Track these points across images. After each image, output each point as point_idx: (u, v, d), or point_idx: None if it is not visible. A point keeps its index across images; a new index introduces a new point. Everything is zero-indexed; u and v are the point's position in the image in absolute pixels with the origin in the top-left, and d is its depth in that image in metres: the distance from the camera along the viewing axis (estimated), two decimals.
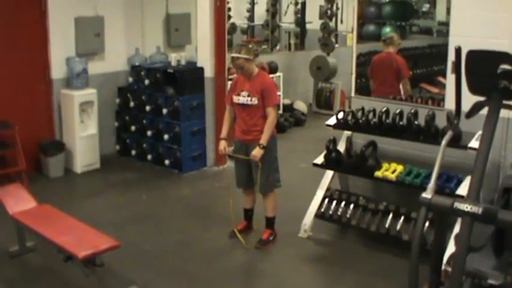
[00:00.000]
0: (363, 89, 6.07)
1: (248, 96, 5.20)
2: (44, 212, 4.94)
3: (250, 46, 5.75)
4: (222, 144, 5.40)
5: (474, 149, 4.28)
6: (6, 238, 5.24)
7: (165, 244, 5.52)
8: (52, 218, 4.80)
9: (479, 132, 3.56)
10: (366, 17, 6.70)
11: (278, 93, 10.13)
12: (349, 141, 5.53)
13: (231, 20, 11.27)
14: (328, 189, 5.65)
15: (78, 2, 7.65)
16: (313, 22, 12.03)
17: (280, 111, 10.30)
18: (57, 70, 7.58)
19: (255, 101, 5.18)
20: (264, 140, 5.14)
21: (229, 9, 9.62)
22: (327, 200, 5.58)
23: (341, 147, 5.60)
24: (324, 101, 11.10)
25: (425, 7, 7.13)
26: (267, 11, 12.07)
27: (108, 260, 4.32)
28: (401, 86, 6.23)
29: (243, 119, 5.32)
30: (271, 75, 10.23)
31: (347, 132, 5.68)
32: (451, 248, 4.09)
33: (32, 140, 7.28)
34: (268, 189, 5.36)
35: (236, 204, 5.55)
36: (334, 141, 5.52)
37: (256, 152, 5.13)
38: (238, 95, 5.26)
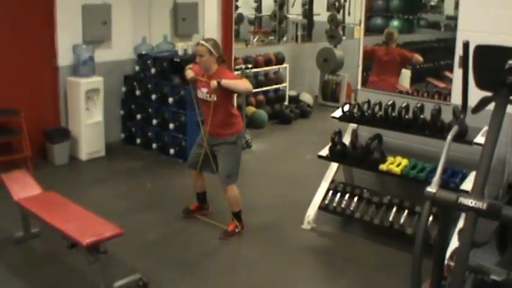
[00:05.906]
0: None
1: (207, 93, 5.19)
2: (48, 199, 4.96)
3: (219, 47, 5.46)
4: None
5: (480, 144, 4.28)
6: (11, 224, 5.27)
7: (168, 233, 5.53)
8: (56, 205, 4.82)
9: (485, 128, 3.55)
10: (373, 9, 6.67)
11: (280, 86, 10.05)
12: (354, 133, 5.52)
13: (239, 10, 11.25)
14: (332, 181, 5.65)
15: None
16: (321, 14, 12.00)
17: (286, 103, 10.31)
18: (64, 57, 7.58)
19: (213, 97, 5.13)
20: (224, 82, 5.03)
21: None
22: (331, 192, 5.58)
23: (346, 139, 5.60)
24: (330, 93, 11.08)
25: (434, 1, 7.08)
26: (275, 1, 12.06)
27: (112, 247, 4.33)
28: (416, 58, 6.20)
29: (206, 113, 5.33)
30: (277, 66, 10.22)
31: (352, 125, 5.67)
32: (454, 243, 4.10)
33: (37, 126, 7.30)
34: (227, 181, 5.33)
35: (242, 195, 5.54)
36: (339, 134, 5.51)
37: (214, 82, 5.00)
38: (199, 89, 5.28)
